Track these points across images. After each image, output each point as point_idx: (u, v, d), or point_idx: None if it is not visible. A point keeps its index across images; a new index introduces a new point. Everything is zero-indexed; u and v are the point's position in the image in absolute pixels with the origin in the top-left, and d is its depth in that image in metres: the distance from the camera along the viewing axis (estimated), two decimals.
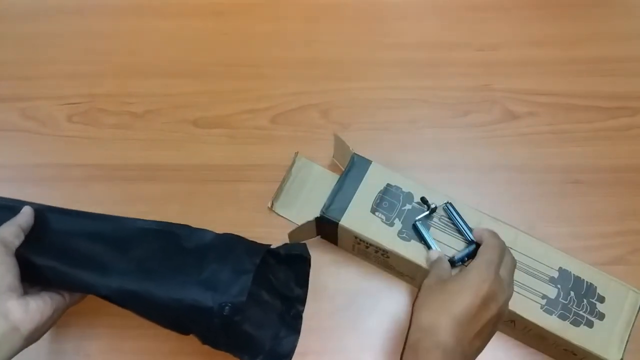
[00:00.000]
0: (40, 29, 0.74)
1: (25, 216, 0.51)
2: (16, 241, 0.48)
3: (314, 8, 0.75)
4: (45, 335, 0.49)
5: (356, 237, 0.56)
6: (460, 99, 0.69)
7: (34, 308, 0.46)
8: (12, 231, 0.49)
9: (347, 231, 0.56)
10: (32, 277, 0.49)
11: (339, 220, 0.55)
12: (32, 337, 0.46)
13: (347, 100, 0.69)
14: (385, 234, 0.55)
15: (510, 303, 0.52)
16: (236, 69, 0.71)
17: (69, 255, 0.50)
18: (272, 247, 0.53)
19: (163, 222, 0.53)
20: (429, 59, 0.71)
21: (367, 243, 0.56)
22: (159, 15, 0.73)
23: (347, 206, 0.56)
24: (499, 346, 0.58)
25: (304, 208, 0.61)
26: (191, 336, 0.52)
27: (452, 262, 0.53)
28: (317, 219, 0.56)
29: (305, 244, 0.55)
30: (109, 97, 0.69)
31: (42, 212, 0.52)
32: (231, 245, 0.52)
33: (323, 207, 0.56)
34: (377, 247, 0.55)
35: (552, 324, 0.52)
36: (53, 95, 0.69)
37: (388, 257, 0.56)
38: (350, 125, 0.68)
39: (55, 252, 0.50)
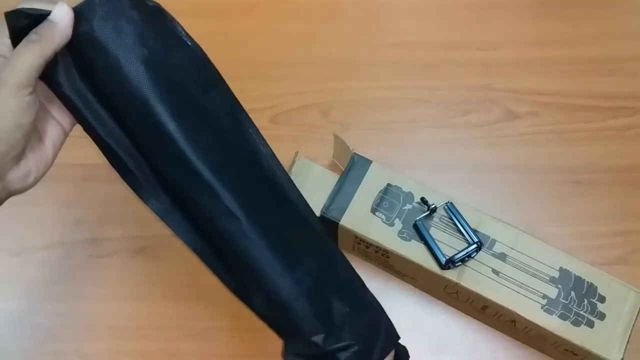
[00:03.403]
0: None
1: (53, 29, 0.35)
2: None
3: (314, 8, 0.75)
4: (45, 336, 0.48)
5: (356, 237, 0.56)
6: (460, 98, 0.69)
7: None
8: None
9: (347, 231, 0.55)
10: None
11: (339, 220, 0.55)
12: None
13: (347, 100, 0.69)
14: (385, 234, 0.55)
15: (510, 303, 0.52)
16: (236, 69, 0.70)
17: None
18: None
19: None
20: (429, 58, 0.71)
21: (367, 243, 0.56)
22: None
23: (347, 206, 0.56)
24: (499, 346, 0.58)
25: None
26: (191, 337, 0.52)
27: (452, 262, 0.53)
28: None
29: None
30: None
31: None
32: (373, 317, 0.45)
33: (323, 207, 0.56)
34: (377, 247, 0.55)
35: (552, 324, 0.51)
36: None
37: (388, 257, 0.56)
38: (350, 125, 0.68)
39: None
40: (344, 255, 0.45)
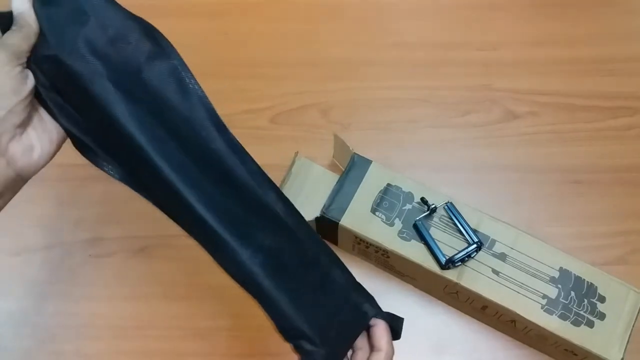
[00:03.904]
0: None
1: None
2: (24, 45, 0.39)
3: (314, 8, 0.75)
4: (45, 336, 0.48)
5: (356, 237, 0.56)
6: (460, 99, 0.69)
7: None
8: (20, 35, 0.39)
9: (347, 231, 0.55)
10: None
11: (339, 220, 0.55)
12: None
13: (347, 100, 0.69)
14: (385, 234, 0.55)
15: (510, 303, 0.52)
16: (236, 69, 0.71)
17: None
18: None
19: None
20: (429, 58, 0.71)
21: (367, 243, 0.56)
22: (159, 15, 0.72)
23: (347, 206, 0.56)
24: (499, 346, 0.58)
25: (304, 208, 0.60)
26: (192, 337, 0.52)
27: (452, 262, 0.53)
28: (317, 219, 0.56)
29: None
30: None
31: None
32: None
33: (323, 207, 0.56)
34: (377, 247, 0.55)
35: (552, 324, 0.51)
36: None
37: (388, 257, 0.56)
38: (350, 125, 0.68)
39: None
40: (314, 233, 0.46)
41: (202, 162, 0.42)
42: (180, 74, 0.42)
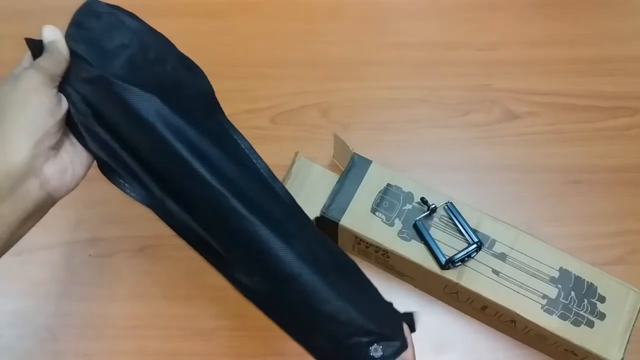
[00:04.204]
0: (40, 29, 0.74)
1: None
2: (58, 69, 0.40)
3: (314, 8, 0.75)
4: (46, 336, 0.48)
5: (356, 237, 0.56)
6: (460, 99, 0.69)
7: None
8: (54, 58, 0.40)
9: (348, 231, 0.55)
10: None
11: (339, 220, 0.55)
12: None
13: (347, 100, 0.69)
14: (385, 234, 0.55)
15: (510, 303, 0.52)
16: (236, 69, 0.71)
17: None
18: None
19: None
20: (429, 59, 0.71)
21: (367, 243, 0.56)
22: (159, 15, 0.72)
23: (347, 206, 0.56)
24: (499, 346, 0.58)
25: (303, 208, 0.60)
26: (192, 337, 0.52)
27: (452, 262, 0.53)
28: (317, 219, 0.56)
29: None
30: None
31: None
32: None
33: (323, 207, 0.56)
34: (377, 247, 0.55)
35: (552, 324, 0.51)
36: None
37: (388, 257, 0.56)
38: (350, 125, 0.68)
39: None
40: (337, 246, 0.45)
41: (247, 177, 0.42)
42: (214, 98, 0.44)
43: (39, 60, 0.39)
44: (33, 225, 0.40)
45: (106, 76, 0.39)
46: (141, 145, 0.41)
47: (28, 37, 0.40)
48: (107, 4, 0.42)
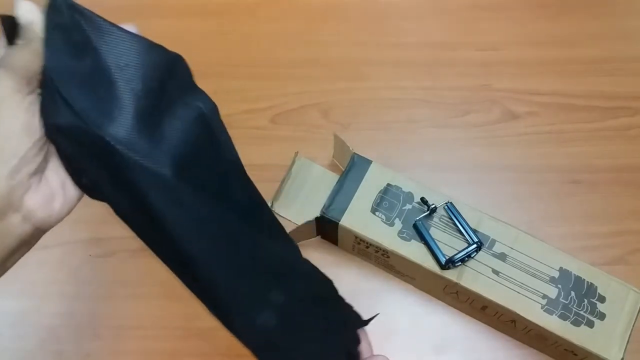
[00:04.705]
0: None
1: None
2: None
3: (314, 8, 0.75)
4: (45, 336, 0.48)
5: (356, 237, 0.56)
6: (460, 99, 0.69)
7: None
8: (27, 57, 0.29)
9: (347, 231, 0.55)
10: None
11: (339, 220, 0.55)
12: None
13: (347, 100, 0.69)
14: (385, 234, 0.55)
15: (510, 303, 0.52)
16: (236, 69, 0.71)
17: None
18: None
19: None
20: (429, 59, 0.71)
21: (367, 243, 0.56)
22: (159, 15, 0.73)
23: (347, 206, 0.56)
24: (499, 346, 0.58)
25: (304, 208, 0.61)
26: (192, 337, 0.52)
27: (452, 262, 0.53)
28: (317, 219, 0.56)
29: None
30: None
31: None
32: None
33: (323, 207, 0.56)
34: (377, 247, 0.55)
35: (552, 324, 0.52)
36: None
37: (388, 257, 0.56)
38: (350, 125, 0.68)
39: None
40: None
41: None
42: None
43: (10, 53, 0.29)
44: (20, 257, 0.33)
45: (105, 137, 0.29)
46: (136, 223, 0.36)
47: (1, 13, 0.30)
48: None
